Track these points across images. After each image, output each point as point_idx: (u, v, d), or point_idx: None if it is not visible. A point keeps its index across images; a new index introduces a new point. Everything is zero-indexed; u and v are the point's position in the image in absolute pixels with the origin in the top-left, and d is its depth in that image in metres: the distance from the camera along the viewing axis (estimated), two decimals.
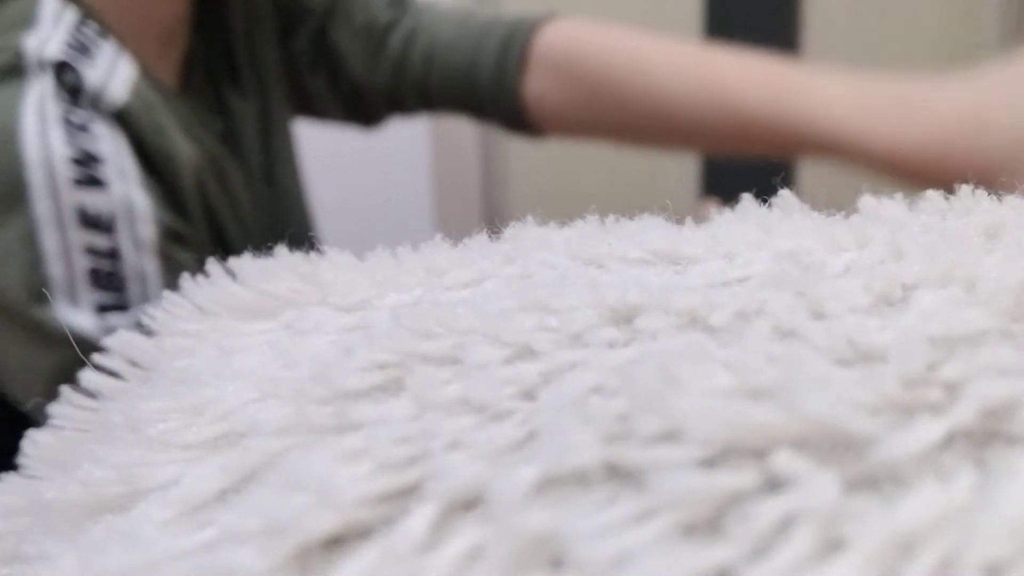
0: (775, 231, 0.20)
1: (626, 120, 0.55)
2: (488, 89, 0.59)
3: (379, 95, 0.63)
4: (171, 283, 0.40)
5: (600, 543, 0.11)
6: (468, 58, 0.59)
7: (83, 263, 0.41)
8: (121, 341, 0.22)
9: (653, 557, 0.11)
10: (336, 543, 0.13)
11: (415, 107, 0.64)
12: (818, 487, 0.11)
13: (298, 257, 0.24)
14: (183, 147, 0.49)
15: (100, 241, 0.42)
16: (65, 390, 0.21)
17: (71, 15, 0.46)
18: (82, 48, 0.45)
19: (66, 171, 0.41)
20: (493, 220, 0.24)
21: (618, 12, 1.35)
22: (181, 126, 0.50)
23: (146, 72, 0.49)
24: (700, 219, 0.22)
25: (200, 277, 0.24)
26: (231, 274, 0.24)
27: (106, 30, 0.48)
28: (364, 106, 0.65)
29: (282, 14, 0.61)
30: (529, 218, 0.24)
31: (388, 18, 0.61)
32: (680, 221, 0.22)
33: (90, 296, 0.41)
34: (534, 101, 0.58)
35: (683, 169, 1.46)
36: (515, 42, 0.58)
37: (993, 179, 0.23)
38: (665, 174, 1.48)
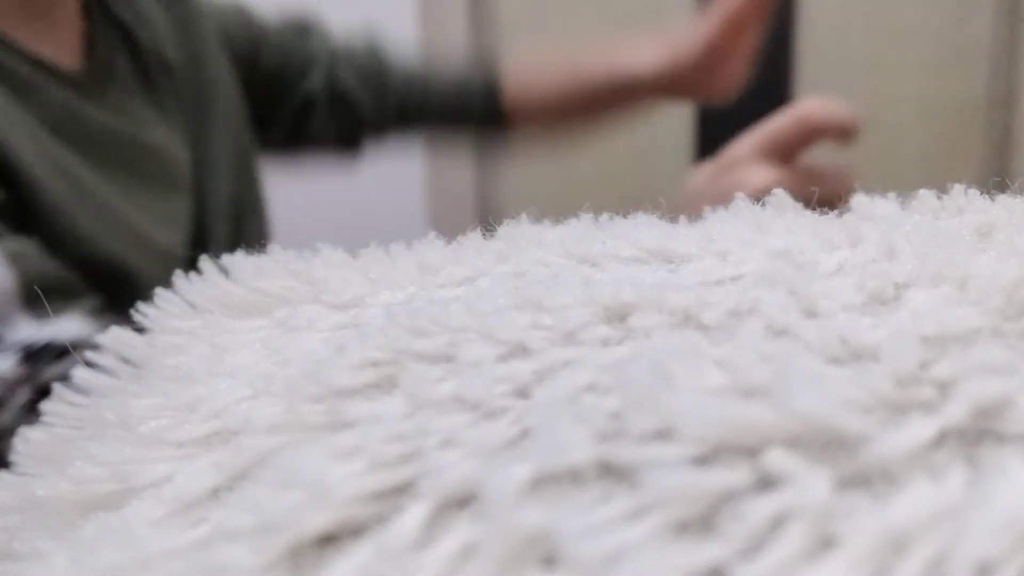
0: (768, 229, 0.20)
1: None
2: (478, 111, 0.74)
3: (374, 129, 0.74)
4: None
5: (593, 541, 0.11)
6: (460, 100, 0.74)
7: None
8: (114, 338, 0.22)
9: (646, 555, 0.11)
10: (329, 541, 0.13)
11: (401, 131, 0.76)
12: (810, 485, 0.11)
13: (291, 254, 0.24)
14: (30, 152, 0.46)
15: None
16: (58, 387, 0.21)
17: None
18: None
19: None
20: (487, 218, 0.24)
21: (615, 11, 1.36)
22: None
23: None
24: None
25: (193, 274, 0.24)
26: (224, 271, 0.24)
27: None
28: (357, 138, 0.74)
29: (282, 69, 0.69)
30: (523, 216, 0.24)
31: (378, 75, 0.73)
32: (674, 219, 0.22)
33: None
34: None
35: (678, 168, 1.46)
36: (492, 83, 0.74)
37: None
38: (660, 173, 1.49)
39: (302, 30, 0.71)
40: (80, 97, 0.52)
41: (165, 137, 0.57)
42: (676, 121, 1.45)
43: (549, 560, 0.11)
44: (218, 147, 0.62)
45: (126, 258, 0.50)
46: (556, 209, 0.24)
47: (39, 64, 0.50)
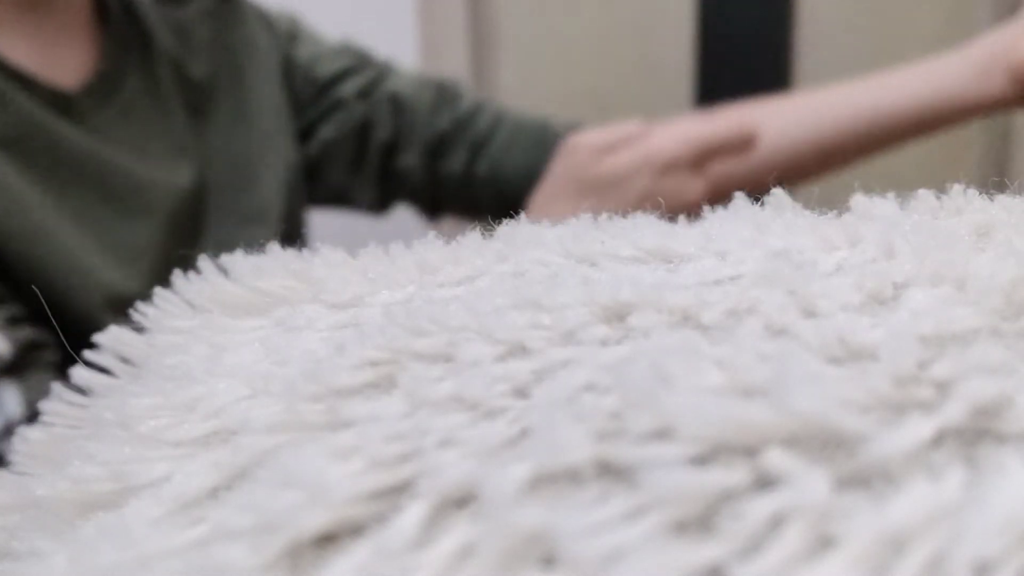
0: (767, 229, 0.20)
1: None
2: None
3: (425, 198, 0.70)
4: None
5: (592, 541, 0.11)
6: (530, 177, 0.66)
7: None
8: (112, 338, 0.22)
9: (645, 555, 0.11)
10: (328, 540, 0.13)
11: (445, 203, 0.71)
12: (809, 485, 0.11)
13: (290, 254, 0.24)
14: None
15: None
16: (56, 386, 0.21)
17: None
18: None
19: None
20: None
21: (613, 12, 1.35)
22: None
23: None
24: None
25: (192, 273, 0.24)
26: (223, 271, 0.24)
27: None
28: (393, 202, 0.71)
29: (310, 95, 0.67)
30: (523, 215, 0.24)
31: (445, 128, 0.67)
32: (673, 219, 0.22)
33: None
34: None
35: None
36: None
37: None
38: None
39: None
40: (56, 115, 0.52)
41: (155, 159, 0.56)
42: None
43: (548, 560, 0.11)
44: (259, 163, 0.61)
45: (63, 287, 0.50)
46: None
47: (14, 74, 0.50)
